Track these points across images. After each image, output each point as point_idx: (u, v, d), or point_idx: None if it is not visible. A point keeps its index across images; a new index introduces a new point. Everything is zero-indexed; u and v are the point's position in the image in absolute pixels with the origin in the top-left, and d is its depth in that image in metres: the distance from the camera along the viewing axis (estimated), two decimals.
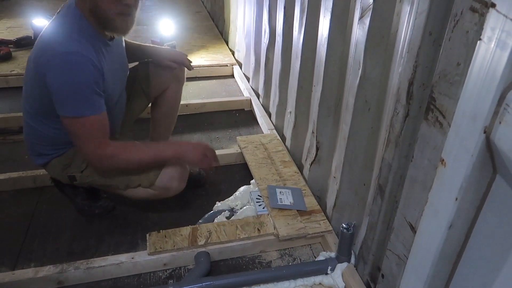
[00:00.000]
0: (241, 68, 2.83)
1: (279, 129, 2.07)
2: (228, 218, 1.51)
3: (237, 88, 2.69)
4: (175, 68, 1.58)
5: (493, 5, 0.58)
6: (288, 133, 1.93)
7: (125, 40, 1.49)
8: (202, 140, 2.07)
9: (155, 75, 1.57)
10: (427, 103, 0.86)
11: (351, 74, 1.24)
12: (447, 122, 0.80)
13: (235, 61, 2.91)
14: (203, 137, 2.10)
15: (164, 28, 3.01)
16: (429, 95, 0.85)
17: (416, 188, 0.93)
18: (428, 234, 0.77)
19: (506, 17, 0.55)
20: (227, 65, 2.86)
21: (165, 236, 1.37)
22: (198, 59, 2.87)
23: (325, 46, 1.40)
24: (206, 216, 1.51)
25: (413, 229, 0.96)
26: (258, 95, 2.45)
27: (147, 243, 1.34)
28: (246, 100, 2.42)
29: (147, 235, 1.37)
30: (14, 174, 1.68)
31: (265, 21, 2.16)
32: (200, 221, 1.49)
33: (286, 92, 1.95)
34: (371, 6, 1.07)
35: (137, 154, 1.33)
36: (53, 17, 1.26)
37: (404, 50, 0.93)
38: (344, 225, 1.26)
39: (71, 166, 1.37)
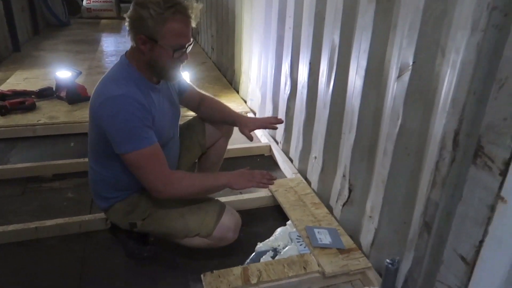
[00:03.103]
0: (255, 115, 3.01)
1: (302, 173, 2.21)
2: (273, 257, 1.60)
3: (252, 135, 2.83)
4: (249, 137, 1.70)
5: None
6: (314, 176, 2.07)
7: (214, 100, 1.70)
8: None
9: (210, 129, 1.72)
10: (474, 150, 1.02)
11: (389, 124, 1.41)
12: (496, 166, 0.95)
13: (248, 109, 3.10)
14: None
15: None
16: (477, 143, 1.01)
17: (467, 223, 1.06)
18: (492, 262, 0.90)
19: None
20: (242, 113, 3.03)
21: (219, 276, 1.45)
22: None
23: (359, 98, 1.58)
24: (252, 256, 1.61)
25: (465, 260, 1.08)
26: (276, 141, 2.61)
27: (203, 283, 1.41)
28: (266, 146, 2.58)
29: (202, 275, 1.45)
30: (60, 220, 1.74)
31: (285, 73, 2.36)
32: (247, 261, 1.58)
33: (311, 138, 2.11)
34: (411, 67, 1.26)
35: (197, 181, 1.43)
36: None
37: (448, 105, 1.11)
38: (389, 261, 1.37)
39: (133, 213, 1.46)
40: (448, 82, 1.12)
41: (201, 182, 1.43)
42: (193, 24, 1.34)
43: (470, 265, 1.05)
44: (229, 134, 1.82)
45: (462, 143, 1.09)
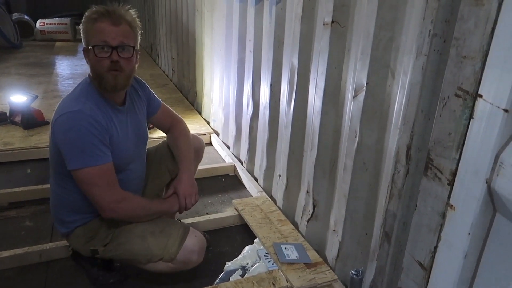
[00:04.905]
0: (218, 136, 3.04)
1: (267, 191, 2.26)
2: (242, 276, 1.61)
3: (217, 155, 2.87)
4: (169, 195, 1.54)
5: (480, 96, 0.86)
6: (278, 194, 2.12)
7: (180, 136, 1.68)
8: (197, 206, 2.19)
9: None
10: (425, 163, 1.11)
11: (347, 141, 1.50)
12: (445, 177, 1.05)
13: (211, 130, 3.13)
14: (198, 203, 2.21)
15: None
16: (427, 156, 1.10)
17: (423, 231, 1.15)
18: (446, 265, 0.98)
19: (491, 104, 0.83)
20: (205, 134, 3.06)
21: None
22: None
23: (319, 118, 1.66)
24: (222, 276, 1.61)
25: (422, 266, 1.16)
26: (240, 161, 2.65)
27: None
28: (230, 166, 2.61)
29: None
30: (19, 250, 1.67)
31: (247, 95, 2.43)
32: (217, 281, 1.59)
33: (274, 157, 2.17)
34: (365, 88, 1.36)
35: (145, 203, 1.46)
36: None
37: (400, 122, 1.20)
38: (353, 272, 1.43)
39: (95, 239, 1.44)
40: (399, 101, 1.22)
41: (149, 205, 1.46)
42: (128, 29, 1.32)
43: (427, 270, 1.12)
44: (198, 159, 1.83)
45: (414, 157, 1.18)
